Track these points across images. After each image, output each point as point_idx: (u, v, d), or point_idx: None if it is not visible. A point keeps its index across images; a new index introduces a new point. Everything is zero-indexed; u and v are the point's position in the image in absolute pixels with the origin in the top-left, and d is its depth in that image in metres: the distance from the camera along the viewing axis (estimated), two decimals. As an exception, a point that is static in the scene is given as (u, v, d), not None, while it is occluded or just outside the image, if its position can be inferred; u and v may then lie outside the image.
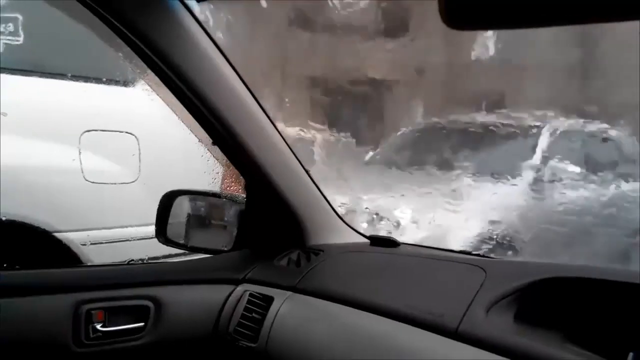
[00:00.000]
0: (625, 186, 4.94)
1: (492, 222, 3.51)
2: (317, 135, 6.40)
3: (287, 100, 8.68)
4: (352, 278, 1.23)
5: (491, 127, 4.68)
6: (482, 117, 5.09)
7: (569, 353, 0.88)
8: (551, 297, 1.00)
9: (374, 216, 3.40)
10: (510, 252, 3.44)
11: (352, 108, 9.26)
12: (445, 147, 4.84)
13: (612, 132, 5.22)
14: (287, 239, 1.39)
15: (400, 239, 3.12)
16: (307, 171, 1.39)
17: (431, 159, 4.46)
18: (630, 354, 0.89)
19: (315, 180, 1.41)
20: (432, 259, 1.27)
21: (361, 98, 10.02)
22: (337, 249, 1.37)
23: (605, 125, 5.17)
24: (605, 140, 5.12)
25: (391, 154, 4.89)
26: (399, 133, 5.32)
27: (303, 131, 6.11)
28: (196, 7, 1.07)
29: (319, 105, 9.27)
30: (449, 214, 3.49)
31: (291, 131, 6.15)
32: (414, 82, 10.06)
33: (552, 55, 13.21)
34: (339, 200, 3.65)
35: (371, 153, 5.20)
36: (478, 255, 1.35)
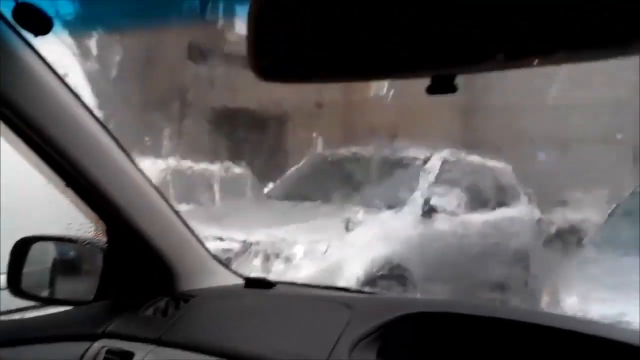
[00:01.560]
0: (505, 213, 5.29)
1: (384, 253, 3.58)
2: (215, 170, 6.26)
3: (185, 133, 8.46)
4: (222, 325, 1.17)
5: (384, 160, 4.84)
6: (376, 151, 5.25)
7: None
8: (416, 333, 1.01)
9: (268, 252, 3.33)
10: (401, 282, 3.52)
11: (252, 142, 9.24)
12: (341, 179, 4.92)
13: (493, 164, 5.61)
14: (154, 286, 1.28)
15: (292, 274, 3.07)
16: (176, 212, 1.30)
17: (327, 192, 4.51)
18: None
19: (186, 220, 1.33)
20: (303, 299, 1.24)
21: (261, 132, 10.03)
22: (210, 294, 1.29)
23: (484, 157, 5.54)
24: (487, 171, 5.47)
25: (289, 188, 4.88)
26: (297, 167, 5.34)
27: (200, 165, 5.96)
28: (41, 41, 0.97)
29: (218, 138, 9.14)
30: (343, 247, 3.51)
31: (188, 165, 5.99)
32: (313, 117, 10.25)
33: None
34: (235, 236, 3.55)
35: (269, 187, 5.16)
36: (349, 290, 1.34)
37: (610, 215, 4.20)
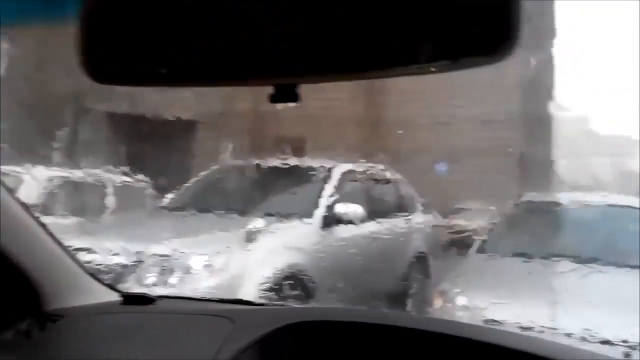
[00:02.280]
0: (403, 222, 5.49)
1: (286, 263, 3.56)
2: (110, 179, 5.92)
3: (79, 140, 7.95)
4: (93, 346, 1.07)
5: (288, 170, 4.84)
6: (280, 161, 5.23)
7: None
8: (297, 343, 0.99)
9: (164, 266, 3.18)
10: (303, 291, 3.51)
11: (153, 150, 8.87)
12: (244, 190, 4.85)
13: (392, 174, 5.81)
14: (17, 306, 1.15)
15: (191, 287, 2.95)
16: (43, 225, 1.18)
17: (230, 202, 4.42)
18: None
19: (56, 235, 1.21)
20: (184, 314, 1.19)
21: (163, 139, 9.68)
22: (82, 312, 1.19)
23: (384, 168, 5.72)
24: (387, 182, 5.65)
25: (190, 199, 4.72)
26: (199, 176, 5.19)
27: (94, 174, 5.60)
28: None
29: (116, 146, 8.69)
30: (244, 258, 3.44)
31: (80, 174, 5.60)
32: (220, 126, 10.06)
33: (345, 108, 14.45)
34: (129, 249, 3.35)
35: (170, 197, 4.95)
36: (233, 302, 1.30)
37: (498, 222, 4.49)
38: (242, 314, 1.10)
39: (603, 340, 2.32)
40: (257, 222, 3.54)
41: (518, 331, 2.46)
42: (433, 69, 0.54)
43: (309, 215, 4.08)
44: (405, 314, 1.37)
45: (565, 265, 3.33)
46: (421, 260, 5.40)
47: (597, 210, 4.28)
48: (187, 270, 3.17)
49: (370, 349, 0.97)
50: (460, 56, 0.52)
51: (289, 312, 1.07)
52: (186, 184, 5.04)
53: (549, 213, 4.46)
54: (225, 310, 1.15)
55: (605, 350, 2.15)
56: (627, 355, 1.03)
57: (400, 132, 15.52)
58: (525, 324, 2.46)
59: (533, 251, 3.63)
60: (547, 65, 21.21)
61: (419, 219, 5.90)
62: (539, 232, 4.11)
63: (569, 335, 2.27)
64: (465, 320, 2.95)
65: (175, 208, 4.55)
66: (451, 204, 11.34)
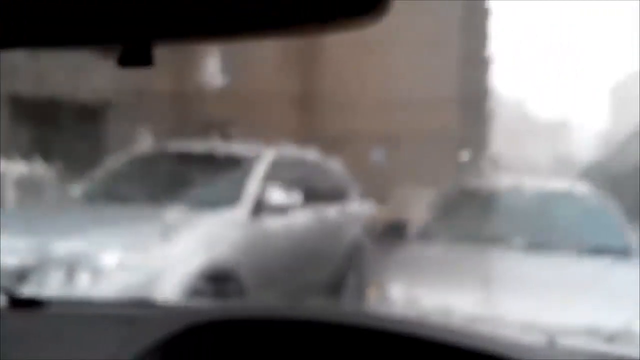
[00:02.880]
0: (337, 210, 5.51)
1: (211, 256, 3.46)
2: (11, 169, 5.56)
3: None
4: None
5: (214, 157, 4.71)
6: (205, 146, 5.10)
7: None
8: (203, 343, 0.95)
9: (71, 265, 3.01)
10: (229, 286, 3.43)
11: (63, 136, 8.41)
12: (165, 178, 4.68)
13: (325, 161, 5.81)
14: None
15: (103, 288, 2.80)
16: None
17: (148, 192, 4.25)
18: None
19: None
20: (79, 318, 1.12)
21: (76, 125, 9.19)
22: None
23: (316, 154, 5.71)
24: (321, 167, 5.64)
25: (102, 188, 4.50)
26: (114, 163, 4.95)
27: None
28: None
29: (21, 132, 8.16)
30: (164, 252, 3.32)
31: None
32: (137, 108, 9.69)
33: (276, 87, 14.35)
34: (28, 247, 3.14)
35: (79, 187, 4.70)
36: (134, 304, 1.24)
37: (433, 209, 4.60)
38: (142, 316, 1.05)
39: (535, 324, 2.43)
40: (178, 213, 3.42)
41: (451, 320, 2.53)
42: (299, 31, 0.53)
43: (236, 203, 4.00)
44: (324, 308, 1.36)
45: (500, 250, 3.46)
46: (357, 249, 5.46)
47: (532, 194, 4.47)
48: (97, 269, 3.01)
49: (281, 346, 0.95)
50: (330, 17, 0.51)
51: (194, 311, 1.02)
52: (98, 173, 4.80)
53: (485, 198, 4.62)
54: (123, 312, 1.10)
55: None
56: (551, 340, 1.06)
57: (337, 115, 15.67)
58: (461, 311, 2.52)
59: (470, 237, 3.74)
60: (485, 52, 21.99)
61: (355, 205, 5.96)
62: (475, 217, 4.25)
63: (503, 321, 2.35)
64: (399, 310, 3.00)
65: (85, 199, 4.32)
66: (389, 190, 11.59)
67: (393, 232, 4.42)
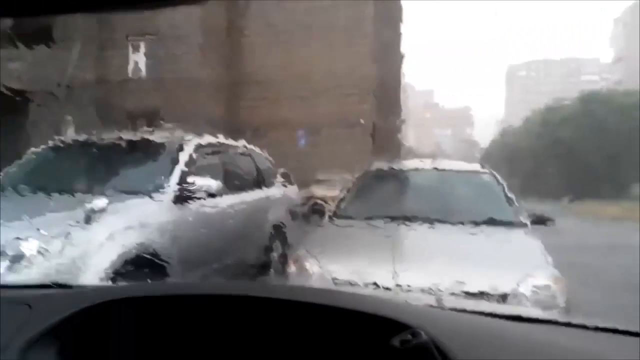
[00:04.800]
0: (262, 194, 5.47)
1: (135, 242, 3.34)
2: None
3: None
4: None
5: (136, 144, 4.52)
6: (129, 134, 4.88)
7: None
8: (103, 324, 0.91)
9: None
10: (155, 271, 3.33)
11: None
12: (88, 166, 4.45)
13: (250, 147, 5.74)
14: None
15: (23, 275, 2.62)
16: None
17: (68, 181, 4.02)
18: None
19: None
20: None
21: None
22: None
23: (240, 141, 5.63)
24: (244, 154, 5.57)
25: (22, 178, 4.21)
26: (33, 153, 4.64)
27: None
28: None
29: None
30: (85, 240, 3.16)
31: None
32: (60, 97, 9.11)
33: (201, 75, 13.97)
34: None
35: (2, 177, 4.37)
36: (33, 287, 1.17)
37: (350, 189, 4.67)
38: (42, 299, 0.99)
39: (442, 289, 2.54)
40: (101, 201, 3.26)
41: (365, 290, 2.59)
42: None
43: (161, 189, 3.87)
44: (230, 282, 1.35)
45: (408, 224, 3.57)
46: (280, 230, 5.47)
47: (437, 174, 4.64)
48: (17, 257, 2.82)
49: (187, 322, 0.92)
50: None
51: (97, 292, 0.98)
52: (21, 163, 4.48)
53: (396, 178, 4.74)
54: (21, 295, 1.03)
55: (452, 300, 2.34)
56: (439, 300, 1.11)
57: (259, 104, 15.52)
58: (371, 281, 2.59)
59: (382, 214, 3.83)
60: (397, 44, 22.44)
61: (278, 190, 5.95)
62: (386, 196, 4.36)
63: (412, 289, 2.44)
64: (316, 284, 3.04)
65: (7, 189, 4.03)
66: (310, 175, 11.66)
67: (314, 213, 4.46)
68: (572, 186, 23.52)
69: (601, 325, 1.13)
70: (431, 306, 1.11)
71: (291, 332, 0.91)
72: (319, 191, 8.43)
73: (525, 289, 2.86)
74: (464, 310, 1.09)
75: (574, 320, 1.25)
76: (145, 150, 4.41)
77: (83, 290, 1.05)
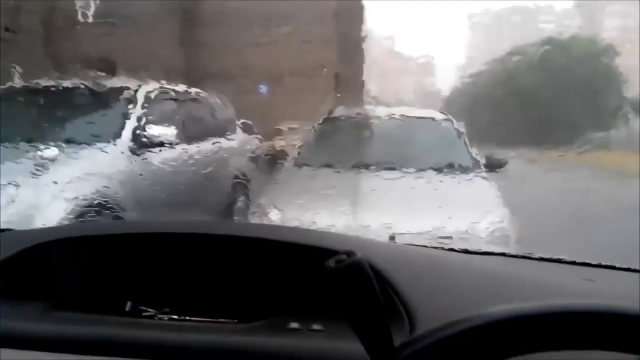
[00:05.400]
0: (223, 143, 5.40)
1: (89, 192, 3.26)
2: None
3: None
4: None
5: (90, 92, 4.35)
6: (80, 82, 4.67)
7: (50, 323, 0.78)
8: (48, 262, 0.89)
9: None
10: (113, 217, 3.27)
11: None
12: (37, 115, 4.27)
13: (209, 96, 5.60)
14: None
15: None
16: None
17: (18, 131, 3.85)
18: (128, 303, 0.89)
19: None
20: None
21: None
22: None
23: (198, 89, 5.49)
24: (203, 103, 5.43)
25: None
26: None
27: None
28: None
29: None
30: (38, 189, 3.06)
31: None
32: (6, 46, 8.59)
33: (155, 22, 13.38)
34: None
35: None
36: None
37: (309, 137, 4.65)
38: None
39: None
40: (51, 150, 3.14)
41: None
42: None
43: (115, 138, 3.76)
44: (174, 221, 1.35)
45: (366, 171, 3.61)
46: (242, 180, 5.43)
47: (398, 122, 4.66)
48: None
49: (129, 259, 0.91)
50: None
51: (38, 233, 0.95)
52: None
53: (355, 126, 4.74)
54: None
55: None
56: (391, 237, 1.13)
57: (223, 52, 15.06)
58: (327, 224, 2.61)
59: (341, 161, 3.85)
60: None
61: (238, 140, 5.87)
62: (346, 143, 4.36)
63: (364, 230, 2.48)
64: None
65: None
66: (273, 124, 11.52)
67: (275, 161, 4.45)
68: (530, 133, 24.12)
69: (545, 256, 1.19)
70: (379, 241, 1.14)
71: (231, 266, 0.92)
72: (281, 140, 8.37)
73: (481, 228, 2.96)
74: (411, 245, 1.11)
75: (520, 253, 1.31)
76: (98, 99, 4.25)
77: (24, 232, 1.02)
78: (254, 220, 3.35)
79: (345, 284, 0.57)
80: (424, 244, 1.36)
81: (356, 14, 22.34)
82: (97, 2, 12.68)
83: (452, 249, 1.21)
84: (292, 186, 3.83)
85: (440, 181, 3.50)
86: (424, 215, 2.94)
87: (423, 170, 3.74)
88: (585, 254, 1.26)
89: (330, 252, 0.61)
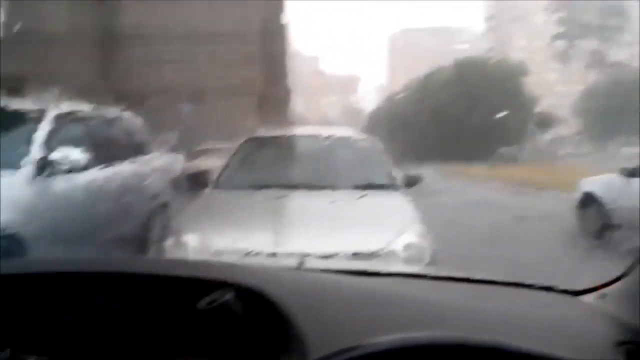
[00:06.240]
0: (138, 165, 5.19)
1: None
2: None
3: None
4: None
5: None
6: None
7: None
8: None
9: None
10: (10, 251, 3.02)
11: None
12: None
13: (121, 115, 5.38)
14: None
15: None
16: None
17: None
18: (7, 351, 0.83)
19: None
20: None
21: None
22: None
23: (114, 109, 5.26)
24: (112, 122, 5.18)
25: None
26: None
27: None
28: None
29: None
30: None
31: None
32: None
33: (74, 31, 12.77)
34: None
35: None
36: None
37: (230, 158, 4.57)
38: None
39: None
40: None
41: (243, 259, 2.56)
42: None
43: (18, 164, 3.50)
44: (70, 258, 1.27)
45: (287, 192, 3.58)
46: (160, 203, 5.23)
47: (318, 141, 4.68)
48: None
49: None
50: None
51: None
52: None
53: (278, 146, 4.72)
54: None
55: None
56: (299, 262, 1.11)
57: (144, 69, 14.61)
58: (246, 250, 2.56)
59: (261, 182, 3.80)
60: (282, 9, 22.18)
61: (158, 161, 5.67)
62: (267, 164, 4.33)
63: (280, 254, 2.44)
64: (195, 256, 2.95)
65: None
66: (196, 144, 11.28)
67: (195, 183, 4.31)
68: (446, 150, 25.29)
69: (454, 275, 1.20)
70: (283, 267, 1.11)
71: (113, 305, 0.87)
72: (203, 161, 8.19)
73: (396, 247, 3.01)
74: (314, 270, 1.09)
75: (428, 272, 1.32)
76: (4, 120, 3.96)
77: None
78: (170, 248, 3.21)
79: (216, 324, 0.56)
80: (335, 266, 1.35)
81: (280, 33, 22.56)
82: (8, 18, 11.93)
83: (361, 272, 1.20)
84: (213, 209, 3.74)
85: (358, 199, 3.54)
86: (340, 235, 2.95)
87: (341, 189, 3.77)
88: (496, 270, 1.29)
89: (223, 286, 0.60)
